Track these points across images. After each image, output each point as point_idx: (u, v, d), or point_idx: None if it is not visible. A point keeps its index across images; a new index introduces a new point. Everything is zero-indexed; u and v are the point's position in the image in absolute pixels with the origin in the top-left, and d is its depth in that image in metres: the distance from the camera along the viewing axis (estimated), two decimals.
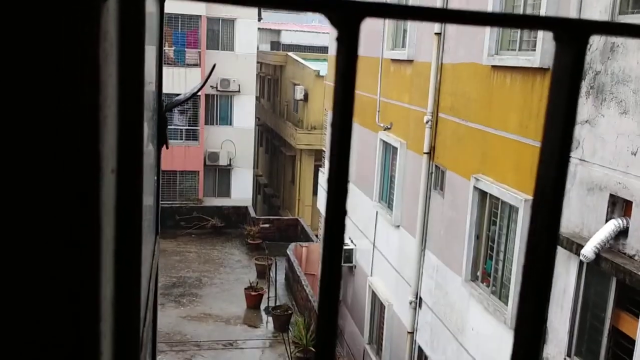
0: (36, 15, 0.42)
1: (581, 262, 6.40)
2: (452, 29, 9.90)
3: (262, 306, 17.96)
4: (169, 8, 26.07)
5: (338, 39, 0.47)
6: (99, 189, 0.46)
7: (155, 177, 1.64)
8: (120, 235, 0.60)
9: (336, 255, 0.50)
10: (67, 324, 0.47)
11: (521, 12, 8.06)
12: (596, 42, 6.45)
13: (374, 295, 13.23)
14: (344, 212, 0.48)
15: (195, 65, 25.70)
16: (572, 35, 0.48)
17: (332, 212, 0.46)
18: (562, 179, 0.50)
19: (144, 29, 0.67)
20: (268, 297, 17.77)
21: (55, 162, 0.44)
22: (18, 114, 0.44)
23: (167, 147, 1.75)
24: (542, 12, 7.31)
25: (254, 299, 17.91)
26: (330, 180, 0.46)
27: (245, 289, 18.12)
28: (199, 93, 25.60)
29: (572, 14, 6.76)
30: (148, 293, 1.14)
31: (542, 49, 7.30)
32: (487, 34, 8.55)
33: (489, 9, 8.51)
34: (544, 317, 0.51)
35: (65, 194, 0.45)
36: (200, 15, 25.42)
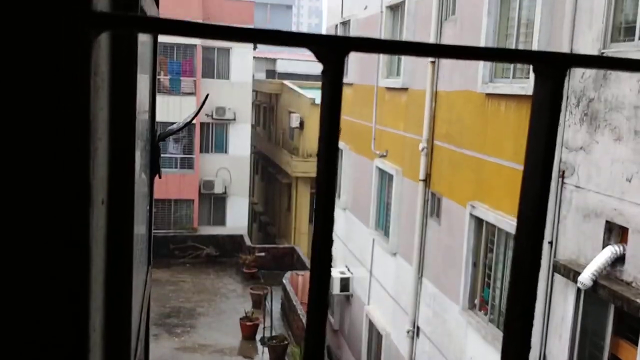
0: (28, 50, 0.43)
1: (579, 290, 6.38)
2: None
3: (258, 337, 17.75)
4: (164, 37, 26.40)
5: (323, 72, 0.49)
6: (89, 220, 0.46)
7: (148, 207, 1.64)
8: (111, 266, 0.61)
9: (323, 290, 0.50)
10: (54, 356, 0.47)
11: (514, 39, 8.18)
12: (589, 69, 6.55)
13: (371, 324, 13.11)
14: (330, 240, 0.49)
15: (191, 93, 25.86)
16: (551, 68, 0.50)
17: (320, 236, 0.47)
18: (543, 210, 0.50)
19: (136, 63, 0.69)
20: (264, 327, 17.58)
21: (45, 193, 0.45)
22: (7, 145, 0.45)
23: (159, 177, 1.75)
24: (535, 40, 7.42)
25: (249, 330, 17.71)
26: (317, 212, 0.47)
27: (240, 319, 17.93)
28: (194, 121, 25.71)
29: (565, 41, 6.87)
30: (139, 323, 1.13)
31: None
32: (481, 62, 8.66)
33: (482, 37, 8.64)
34: (530, 333, 0.51)
35: (55, 225, 0.45)
36: (196, 45, 25.68)
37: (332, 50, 0.46)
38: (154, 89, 1.80)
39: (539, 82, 0.51)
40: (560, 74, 0.50)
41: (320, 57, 0.47)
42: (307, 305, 0.51)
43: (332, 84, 0.47)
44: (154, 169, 1.64)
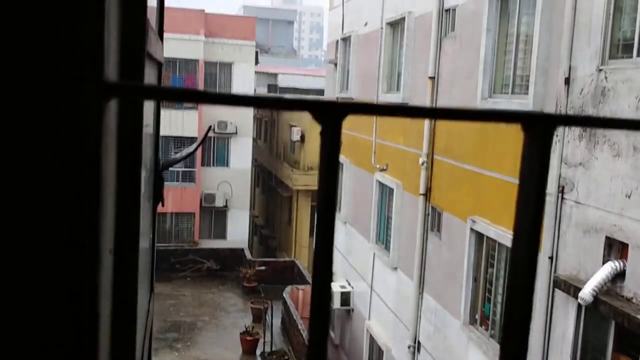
0: (42, 117, 0.45)
1: (579, 305, 6.37)
2: (446, 73, 10.09)
3: (258, 351, 17.68)
4: (167, 52, 26.43)
5: (322, 133, 0.51)
6: (98, 270, 0.48)
7: (151, 236, 1.67)
8: (116, 313, 0.63)
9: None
10: None
11: (513, 55, 8.23)
12: (587, 85, 6.58)
13: (371, 339, 13.07)
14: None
15: (193, 108, 25.96)
16: (539, 128, 0.52)
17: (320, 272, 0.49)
18: (532, 271, 0.53)
19: (142, 124, 0.71)
20: (264, 342, 17.51)
21: (55, 246, 0.47)
22: (23, 200, 0.47)
23: (162, 205, 1.77)
24: (534, 56, 7.47)
25: (249, 344, 17.64)
26: (314, 270, 0.49)
27: (240, 333, 17.86)
28: (195, 134, 25.78)
29: (563, 58, 6.91)
30: (142, 352, 1.15)
31: (534, 93, 7.43)
32: (480, 77, 8.72)
33: (482, 53, 8.70)
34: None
35: (64, 277, 0.48)
36: (198, 60, 25.83)
37: (330, 114, 0.48)
38: (158, 116, 1.83)
39: (527, 140, 0.53)
40: (548, 133, 0.52)
41: (319, 120, 0.50)
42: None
43: (330, 144, 0.49)
44: (157, 198, 1.66)
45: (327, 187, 0.51)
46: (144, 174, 1.37)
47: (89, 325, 0.49)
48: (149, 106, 1.48)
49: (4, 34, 0.45)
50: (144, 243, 1.34)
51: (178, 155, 2.63)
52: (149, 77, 1.30)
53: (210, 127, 3.35)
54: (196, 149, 2.61)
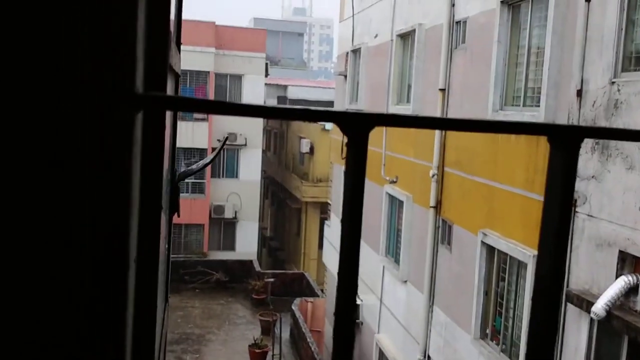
0: (79, 123, 0.46)
1: (592, 320, 6.30)
2: (456, 85, 10.09)
3: None
4: None
5: (348, 144, 0.51)
6: (127, 282, 0.49)
7: (167, 246, 1.67)
8: (137, 322, 0.63)
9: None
10: None
11: (524, 68, 8.22)
12: (599, 97, 6.56)
13: (381, 353, 12.97)
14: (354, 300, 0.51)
15: (203, 120, 26.10)
16: (565, 140, 0.52)
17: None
18: (559, 282, 0.52)
19: (164, 135, 0.72)
20: (272, 355, 17.43)
21: (87, 254, 0.47)
22: (57, 212, 0.48)
23: (178, 216, 1.78)
24: (545, 68, 7.46)
25: (258, 357, 17.56)
26: (339, 284, 0.49)
27: (249, 346, 17.80)
28: (206, 146, 25.89)
29: (575, 70, 6.89)
30: None
31: (546, 105, 7.41)
32: (491, 89, 8.70)
33: (492, 66, 8.69)
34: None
35: (94, 287, 0.48)
36: (209, 72, 25.99)
37: (357, 125, 0.48)
38: (175, 128, 1.85)
39: (553, 152, 0.53)
40: (575, 145, 0.52)
41: (345, 131, 0.50)
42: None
43: (356, 156, 0.49)
44: (173, 207, 1.67)
45: (353, 199, 0.51)
46: (163, 185, 1.38)
47: (116, 335, 0.49)
48: (167, 118, 1.49)
49: (39, 45, 0.45)
50: (161, 254, 1.35)
51: (195, 166, 2.64)
52: (169, 88, 1.31)
53: (227, 137, 3.38)
54: (213, 159, 2.62)
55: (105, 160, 0.47)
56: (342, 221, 0.53)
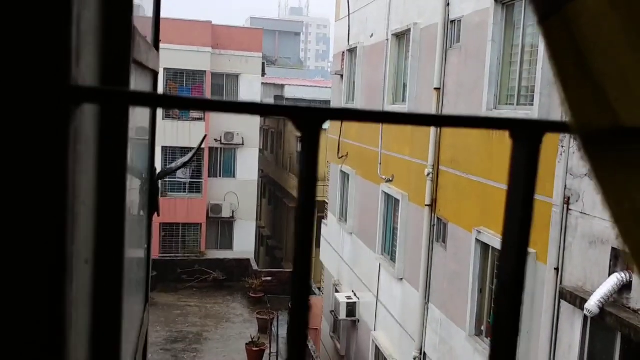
0: (6, 122, 0.44)
1: (585, 317, 6.31)
2: (451, 84, 10.08)
3: None
4: (174, 64, 26.36)
5: (301, 140, 0.50)
6: (64, 286, 0.47)
7: (146, 246, 1.65)
8: (97, 323, 0.61)
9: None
10: None
11: (518, 66, 8.22)
12: None
13: (377, 351, 12.98)
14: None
15: (200, 119, 26.05)
16: (527, 134, 0.50)
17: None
18: (521, 275, 0.51)
19: (127, 129, 0.70)
20: (270, 353, 17.44)
21: (20, 255, 0.46)
22: None
23: (158, 215, 1.77)
24: (539, 67, 7.45)
25: (255, 355, 17.57)
26: (293, 279, 0.48)
27: (246, 344, 17.80)
28: (203, 146, 25.86)
29: None
30: None
31: (540, 103, 7.41)
32: (486, 88, 8.70)
33: (487, 64, 8.68)
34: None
35: (28, 293, 0.46)
36: (205, 71, 25.95)
37: (309, 120, 0.47)
38: (154, 124, 1.82)
39: (515, 146, 0.51)
40: (536, 139, 0.51)
41: (297, 126, 0.49)
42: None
43: (309, 150, 0.48)
44: (152, 207, 1.65)
45: (306, 194, 0.50)
46: (138, 183, 1.36)
47: (54, 333, 0.47)
48: (143, 116, 1.47)
49: None
50: (137, 253, 1.33)
51: (174, 165, 2.63)
52: (141, 85, 1.29)
53: (205, 135, 3.37)
54: (192, 158, 2.61)
55: (35, 154, 0.45)
56: (295, 212, 0.52)
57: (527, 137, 0.50)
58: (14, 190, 0.45)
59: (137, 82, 1.01)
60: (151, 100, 0.44)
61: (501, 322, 0.53)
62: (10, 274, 0.46)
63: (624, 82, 0.44)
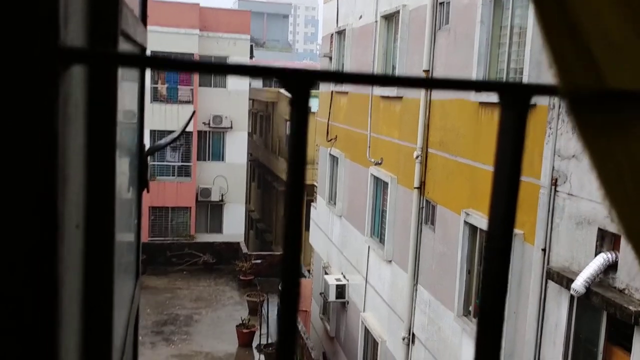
0: None
1: (572, 297, 6.39)
2: (440, 65, 10.07)
3: (254, 344, 17.72)
4: (161, 46, 26.14)
5: (291, 103, 0.50)
6: (56, 244, 0.47)
7: (136, 220, 1.65)
8: (88, 290, 0.62)
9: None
10: None
11: (507, 48, 8.22)
12: None
13: (366, 332, 13.10)
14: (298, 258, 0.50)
15: (188, 102, 25.90)
16: (515, 98, 0.51)
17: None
18: (508, 243, 0.52)
19: (116, 93, 0.70)
20: (260, 335, 17.55)
21: (10, 222, 0.46)
22: None
23: (147, 191, 1.76)
24: (527, 49, 7.46)
25: (245, 337, 17.68)
26: (285, 237, 0.48)
27: (237, 326, 17.90)
28: (191, 130, 25.74)
29: None
30: (125, 339, 1.14)
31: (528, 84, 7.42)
32: (474, 69, 8.70)
33: (475, 46, 8.68)
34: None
35: (20, 253, 0.46)
36: (193, 54, 25.73)
37: (299, 82, 0.47)
38: (143, 105, 1.81)
39: (503, 111, 0.52)
40: (524, 103, 0.51)
41: (287, 89, 0.49)
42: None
43: (299, 113, 0.48)
44: (142, 183, 1.65)
45: (296, 155, 0.50)
46: (127, 158, 1.36)
47: (46, 294, 0.48)
48: (132, 92, 1.46)
49: None
50: (127, 228, 1.33)
51: (163, 141, 2.62)
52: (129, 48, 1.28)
53: (194, 111, 3.35)
54: (181, 133, 2.60)
55: (25, 114, 0.45)
56: (286, 183, 0.52)
57: (516, 101, 0.51)
58: (4, 150, 0.45)
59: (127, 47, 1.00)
60: (139, 61, 0.44)
61: (487, 301, 0.54)
62: (2, 234, 0.46)
63: (608, 43, 0.45)
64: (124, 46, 0.86)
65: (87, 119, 0.57)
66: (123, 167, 1.12)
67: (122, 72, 0.89)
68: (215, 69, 0.47)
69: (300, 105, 0.47)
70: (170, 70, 0.45)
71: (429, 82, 0.51)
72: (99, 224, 0.63)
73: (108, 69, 0.64)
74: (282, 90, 30.27)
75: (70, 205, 0.51)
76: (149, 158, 1.80)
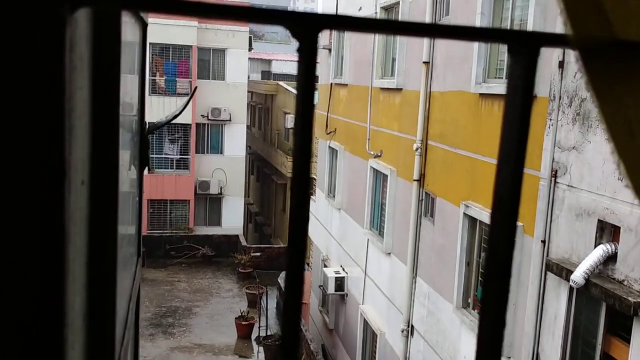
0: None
1: (571, 288, 6.40)
2: (439, 58, 10.05)
3: (253, 336, 17.76)
4: (160, 38, 26.05)
5: (298, 50, 0.49)
6: (63, 197, 0.46)
7: (138, 198, 1.64)
8: (93, 245, 0.61)
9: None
10: (30, 330, 0.47)
11: (506, 54, 8.19)
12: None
13: (365, 324, 13.12)
14: (306, 216, 0.49)
15: (186, 94, 25.81)
16: (524, 47, 0.50)
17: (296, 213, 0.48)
18: (517, 191, 0.51)
19: (120, 44, 0.69)
20: (259, 327, 17.58)
21: (18, 169, 0.45)
22: None
23: (149, 171, 1.75)
24: (530, 22, 7.44)
25: (245, 329, 17.71)
26: (293, 190, 0.48)
27: (236, 318, 17.93)
28: (190, 122, 25.69)
29: (559, 29, 6.88)
30: (127, 312, 1.14)
31: None
32: (475, 62, 8.68)
33: (474, 49, 8.64)
34: (505, 318, 0.52)
35: (28, 201, 0.46)
36: (192, 46, 25.66)
37: (306, 27, 0.46)
38: (143, 84, 1.81)
39: (513, 60, 0.52)
40: (533, 51, 0.51)
41: (294, 35, 0.48)
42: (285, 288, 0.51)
43: (306, 60, 0.47)
44: (144, 161, 1.64)
45: (304, 106, 0.50)
46: (129, 136, 1.35)
47: (55, 243, 0.47)
48: (132, 79, 1.45)
49: None
50: (129, 203, 1.33)
51: (164, 118, 2.61)
52: (133, 35, 1.27)
53: (196, 87, 3.35)
54: (182, 110, 2.59)
55: (32, 56, 0.44)
56: (294, 133, 0.51)
57: (525, 50, 0.50)
58: (11, 95, 0.44)
59: (131, 33, 0.98)
60: (143, 3, 0.43)
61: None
62: (6, 183, 0.46)
63: None
64: (126, 21, 0.85)
65: (92, 70, 0.56)
66: (126, 143, 1.11)
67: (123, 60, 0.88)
68: (219, 12, 0.46)
69: (308, 53, 0.47)
70: (174, 13, 0.45)
71: (434, 29, 0.50)
72: (104, 181, 0.62)
73: (113, 21, 0.63)
74: (281, 83, 30.11)
75: (77, 160, 0.51)
76: (149, 137, 1.80)
